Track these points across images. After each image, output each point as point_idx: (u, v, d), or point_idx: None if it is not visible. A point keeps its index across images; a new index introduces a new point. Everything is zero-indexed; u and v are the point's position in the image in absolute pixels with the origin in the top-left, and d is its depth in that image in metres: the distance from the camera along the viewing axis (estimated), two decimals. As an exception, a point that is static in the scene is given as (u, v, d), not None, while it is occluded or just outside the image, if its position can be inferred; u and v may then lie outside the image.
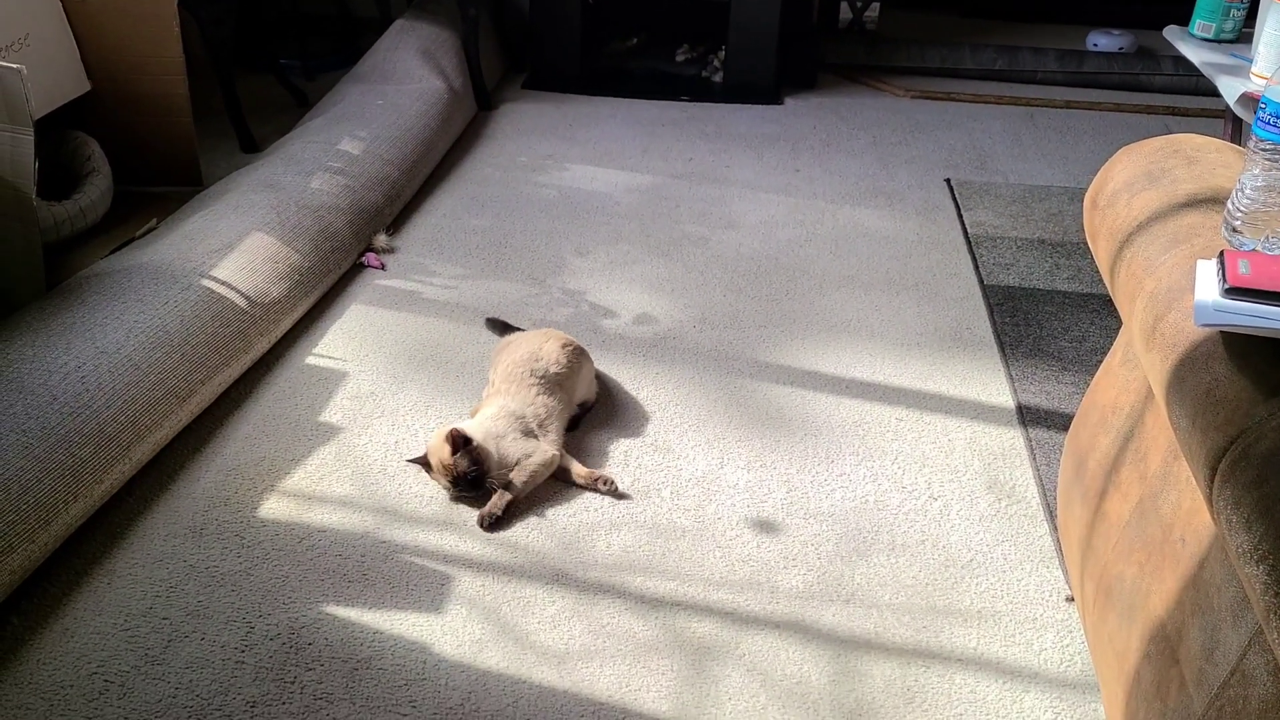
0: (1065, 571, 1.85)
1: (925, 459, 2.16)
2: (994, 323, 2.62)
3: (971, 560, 1.91)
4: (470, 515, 1.97)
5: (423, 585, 1.82)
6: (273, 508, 1.97)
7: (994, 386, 2.39)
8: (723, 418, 2.27)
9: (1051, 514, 2.00)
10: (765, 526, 1.98)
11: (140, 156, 3.06)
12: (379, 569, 1.84)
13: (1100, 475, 1.51)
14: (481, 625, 1.74)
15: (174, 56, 2.95)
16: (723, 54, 4.19)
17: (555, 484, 2.05)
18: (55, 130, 2.87)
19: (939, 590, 1.84)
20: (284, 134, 3.27)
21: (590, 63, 4.21)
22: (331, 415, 2.23)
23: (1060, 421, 2.25)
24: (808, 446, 2.19)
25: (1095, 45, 4.54)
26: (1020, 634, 1.75)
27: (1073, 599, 1.80)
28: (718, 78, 4.20)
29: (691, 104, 4.02)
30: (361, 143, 3.11)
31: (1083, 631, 1.70)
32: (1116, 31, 4.56)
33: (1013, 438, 2.23)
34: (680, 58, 4.33)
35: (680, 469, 2.12)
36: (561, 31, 4.11)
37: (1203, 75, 2.52)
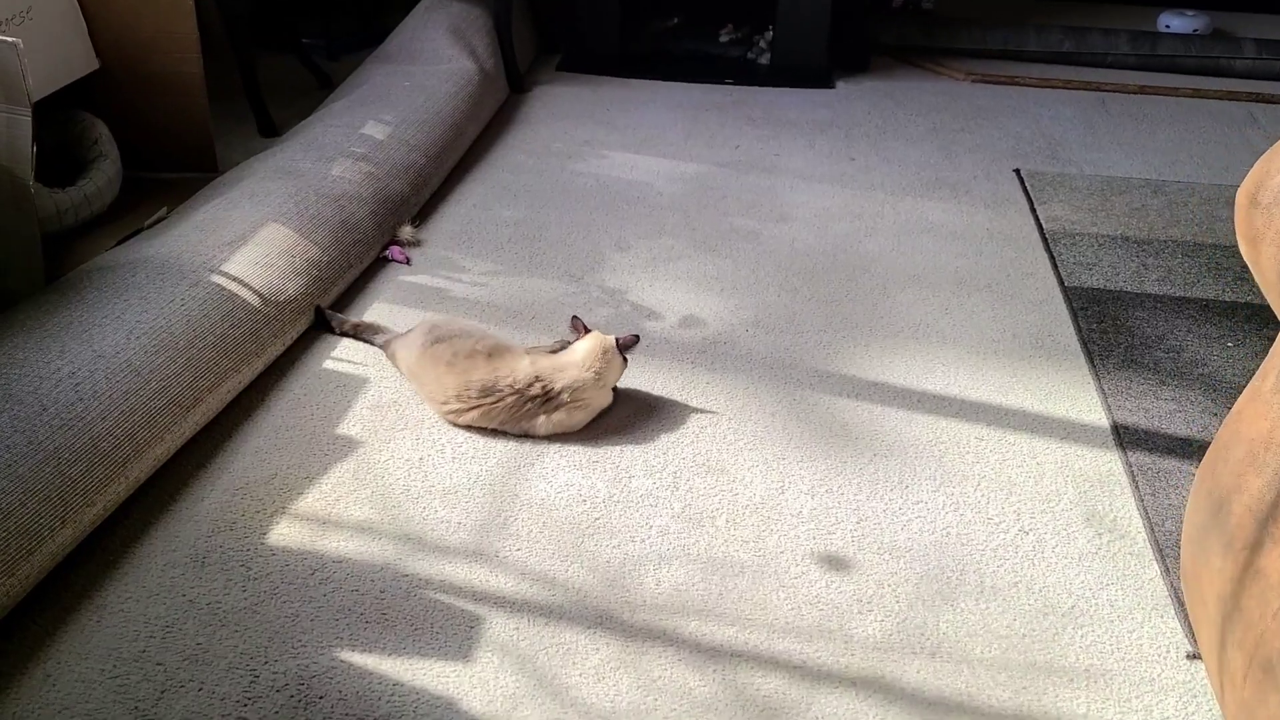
0: (1189, 625, 1.62)
1: (1012, 485, 1.93)
2: (1079, 329, 2.37)
3: (1073, 607, 1.68)
4: (502, 544, 1.76)
5: (449, 628, 1.61)
6: (283, 533, 1.77)
7: (1084, 402, 2.15)
8: (782, 434, 2.05)
9: (1163, 553, 1.76)
10: (835, 563, 1.75)
11: (152, 140, 2.86)
12: (400, 608, 1.64)
13: (1252, 523, 1.27)
14: (516, 677, 1.53)
15: (188, 33, 2.75)
16: (769, 35, 3.95)
17: (596, 511, 1.84)
18: (60, 111, 2.67)
19: (1038, 643, 1.61)
20: (305, 117, 3.06)
21: (628, 44, 3.98)
22: (350, 427, 2.02)
23: (1163, 444, 2.01)
24: (878, 469, 1.96)
25: (1167, 27, 4.26)
26: (1137, 698, 1.52)
27: (1197, 657, 1.56)
28: (764, 59, 3.96)
29: (736, 87, 3.78)
30: (386, 127, 2.90)
31: (1215, 700, 1.47)
32: (1190, 12, 4.28)
33: (1110, 462, 1.99)
34: (724, 38, 4.08)
35: (737, 494, 1.90)
36: (599, 10, 3.88)
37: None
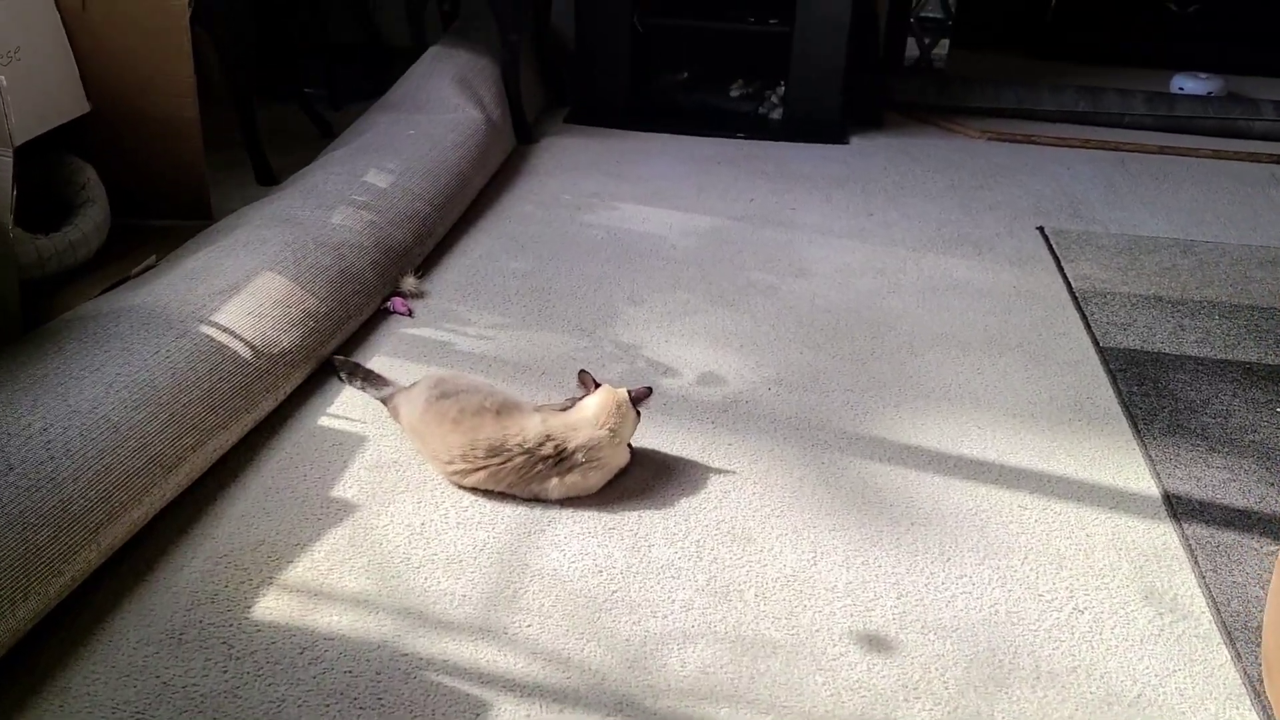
0: (1269, 713, 1.46)
1: (1061, 559, 1.78)
2: (1119, 392, 2.24)
3: (1139, 696, 1.52)
4: (511, 619, 1.60)
5: (453, 714, 1.44)
6: (270, 607, 1.61)
7: (1131, 470, 2.01)
8: (811, 500, 1.90)
9: (1232, 636, 1.61)
10: (876, 643, 1.60)
11: (144, 186, 2.74)
12: (399, 692, 1.47)
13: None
14: (527, 773, 1.37)
15: (184, 76, 2.64)
16: (781, 89, 3.88)
17: (613, 583, 1.69)
18: (47, 153, 2.55)
19: (1105, 736, 1.46)
20: (305, 166, 2.95)
21: (638, 96, 3.90)
22: (346, 489, 1.87)
23: (1220, 516, 1.87)
24: (916, 539, 1.82)
25: (1181, 89, 4.20)
26: (1222, 803, 1.36)
27: (1284, 755, 1.41)
28: (776, 114, 3.88)
29: (748, 141, 3.70)
30: (390, 175, 2.79)
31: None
32: (1204, 75, 4.23)
33: (1164, 534, 1.84)
34: (735, 93, 4.01)
35: (765, 565, 1.74)
36: (609, 62, 3.81)
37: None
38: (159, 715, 1.41)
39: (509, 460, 1.83)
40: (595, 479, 1.87)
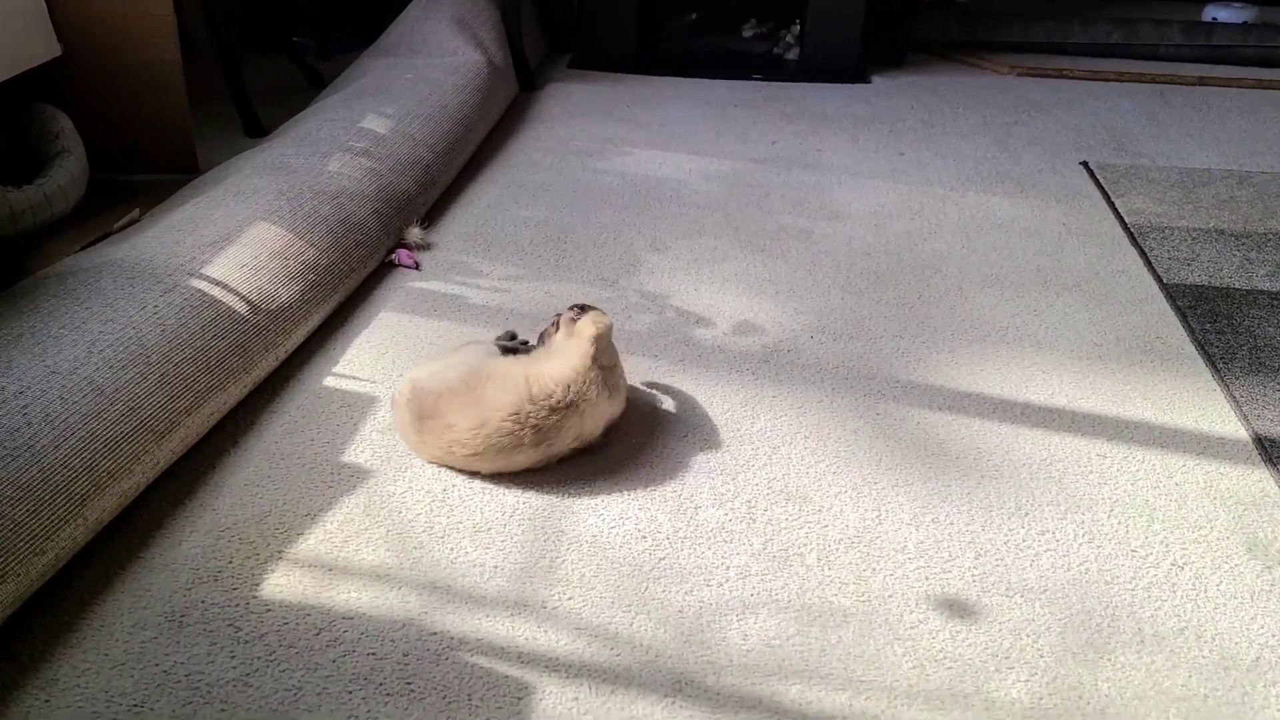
0: None
1: (1152, 511, 1.62)
2: (1191, 330, 2.07)
3: (1258, 659, 1.36)
4: (550, 592, 1.43)
5: (491, 700, 1.28)
6: (280, 584, 1.43)
7: (1215, 412, 1.85)
8: (868, 454, 1.73)
9: (1354, 590, 1.45)
10: (956, 608, 1.43)
11: (124, 137, 2.55)
12: (428, 675, 1.30)
13: None
14: (580, 765, 1.20)
15: (163, 14, 2.44)
16: (796, 29, 3.67)
17: (659, 550, 1.52)
18: (17, 102, 2.35)
19: (1225, 705, 1.29)
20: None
21: (646, 40, 3.69)
22: (358, 454, 1.69)
23: (1321, 458, 1.70)
24: (989, 493, 1.65)
25: (1214, 19, 4.00)
26: (1370, 778, 1.20)
27: None
28: (792, 55, 3.68)
29: (765, 83, 3.50)
30: (389, 120, 2.59)
31: None
32: (1238, 4, 4.02)
33: (1260, 480, 1.68)
34: (747, 34, 3.80)
35: (825, 525, 1.58)
36: (614, 4, 3.59)
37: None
38: (160, 708, 1.25)
39: (519, 435, 1.63)
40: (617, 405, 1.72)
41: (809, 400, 1.86)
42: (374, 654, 1.33)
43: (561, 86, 3.46)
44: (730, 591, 1.45)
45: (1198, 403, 1.87)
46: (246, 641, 1.34)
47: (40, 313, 1.69)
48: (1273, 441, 1.74)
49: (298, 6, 3.68)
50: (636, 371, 1.91)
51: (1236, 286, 2.21)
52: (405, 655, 1.33)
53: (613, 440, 1.73)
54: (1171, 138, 3.07)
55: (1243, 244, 2.40)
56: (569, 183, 2.71)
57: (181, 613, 1.38)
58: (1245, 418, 1.81)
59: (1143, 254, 2.36)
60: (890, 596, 1.45)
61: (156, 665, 1.31)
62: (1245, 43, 3.67)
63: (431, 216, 2.49)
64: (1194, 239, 2.42)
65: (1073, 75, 3.56)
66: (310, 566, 1.47)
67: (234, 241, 1.95)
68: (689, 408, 1.84)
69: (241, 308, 1.83)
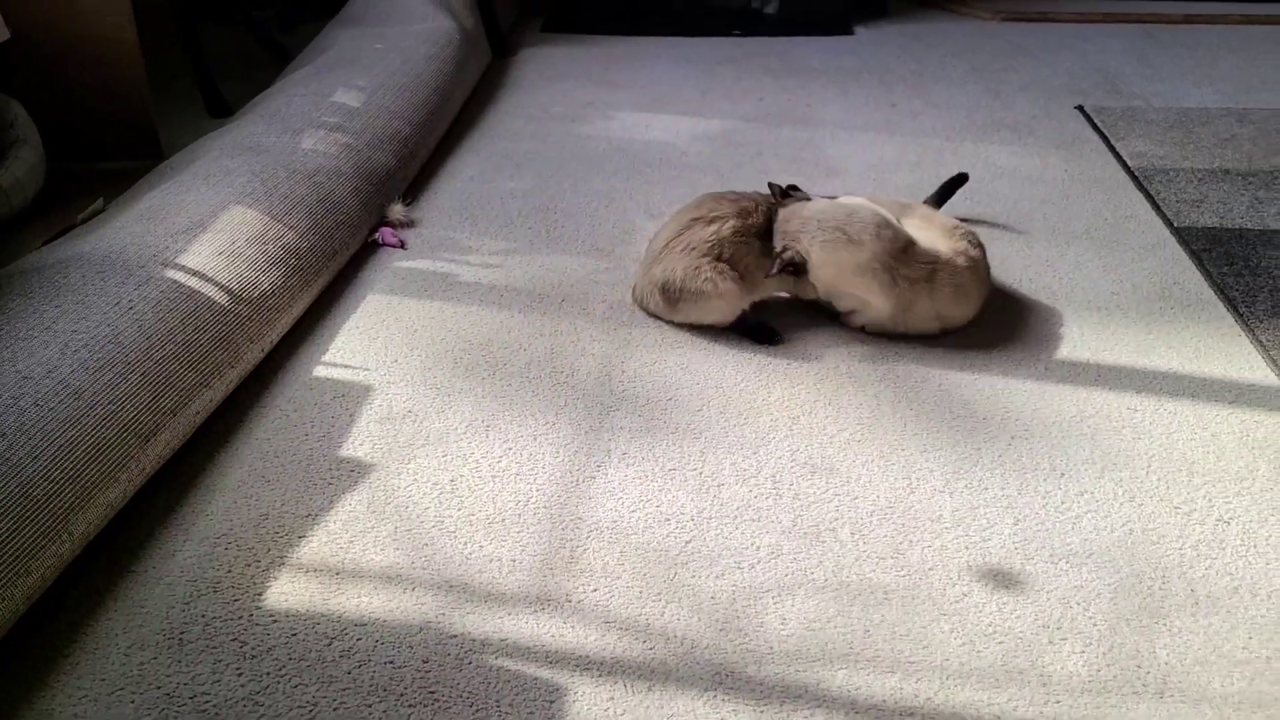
0: None
1: (1191, 465, 1.56)
2: (1208, 275, 2.01)
3: (1320, 615, 1.31)
4: (573, 584, 1.35)
5: (523, 705, 1.20)
6: (285, 592, 1.34)
7: (1242, 358, 1.79)
8: (893, 421, 1.66)
9: None
10: (1001, 578, 1.37)
11: (82, 123, 2.41)
12: (451, 682, 1.22)
13: None
14: (624, 770, 1.13)
15: (117, -9, 2.30)
16: (774, -20, 3.57)
17: (685, 532, 1.44)
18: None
19: (1292, 667, 1.24)
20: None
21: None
22: (356, 447, 1.60)
23: (1359, 401, 1.65)
24: (1021, 454, 1.58)
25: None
26: None
27: None
28: (770, 8, 3.58)
29: (746, 38, 3.40)
30: (361, 93, 2.47)
31: None
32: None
33: (1298, 427, 1.62)
34: (723, -12, 3.69)
35: (856, 498, 1.50)
36: (586, -37, 3.48)
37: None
38: (165, 737, 1.16)
39: None
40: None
41: (825, 367, 1.79)
42: (391, 662, 1.25)
43: (536, 51, 3.34)
44: (764, 573, 1.38)
45: (1224, 349, 1.81)
46: (253, 657, 1.26)
47: (6, 313, 1.57)
48: (1306, 386, 1.69)
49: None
50: (640, 342, 1.82)
51: (1250, 227, 2.15)
52: (425, 662, 1.25)
53: (623, 413, 1.65)
54: (1165, 77, 3.00)
55: (1250, 183, 2.34)
56: (554, 150, 2.61)
57: (181, 629, 1.29)
58: (1274, 361, 1.75)
59: (1149, 198, 2.30)
60: (931, 569, 1.38)
61: (158, 688, 1.22)
62: (1230, -23, 3.61)
63: (413, 192, 2.38)
64: (1200, 180, 2.36)
65: (1058, 18, 3.49)
66: (316, 571, 1.38)
67: (208, 228, 1.84)
68: (700, 379, 1.75)
69: (222, 298, 1.72)
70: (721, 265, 1.82)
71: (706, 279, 1.81)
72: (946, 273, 1.79)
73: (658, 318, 1.90)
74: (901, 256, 1.77)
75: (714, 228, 1.86)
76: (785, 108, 2.85)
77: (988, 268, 1.87)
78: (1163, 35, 3.34)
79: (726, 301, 1.83)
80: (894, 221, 1.81)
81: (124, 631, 1.29)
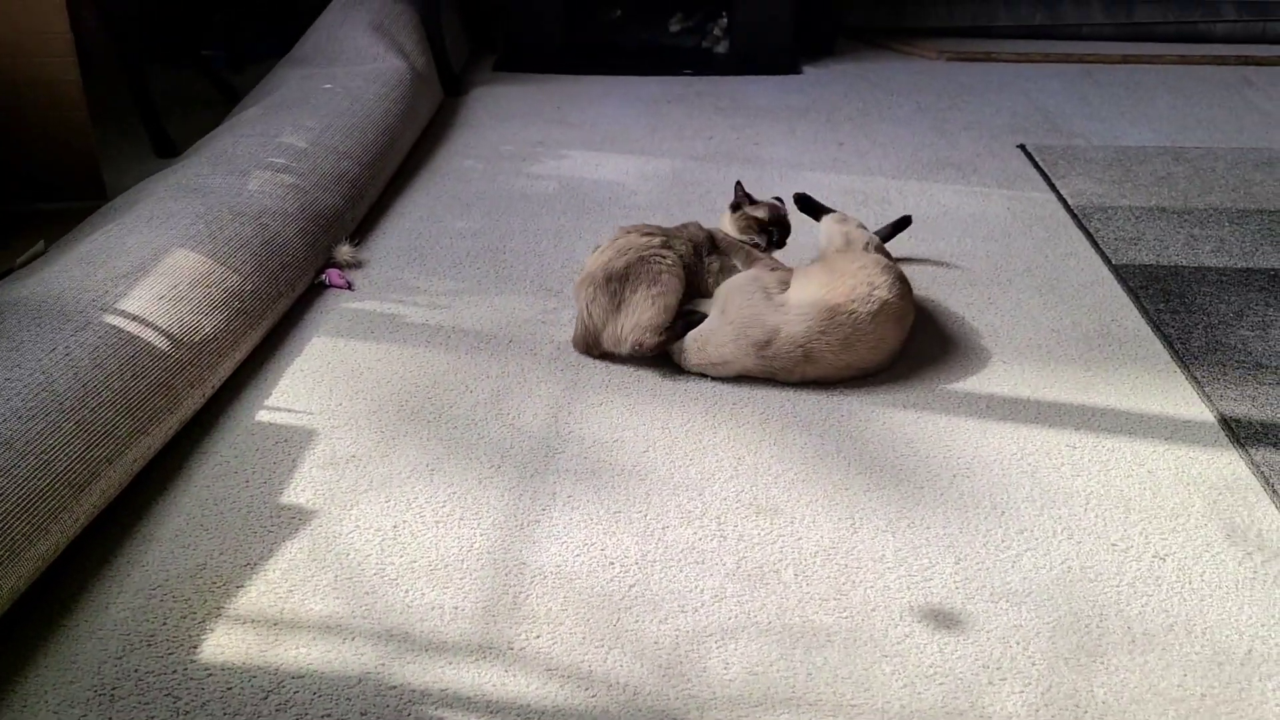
0: None
1: (1127, 501, 1.58)
2: (1145, 311, 2.05)
3: (1250, 652, 1.33)
4: (516, 631, 1.34)
5: (462, 758, 1.19)
6: (221, 645, 1.32)
7: (1178, 395, 1.82)
8: (837, 460, 1.67)
9: (1337, 571, 1.42)
10: (942, 619, 1.38)
11: (22, 163, 2.39)
12: (392, 735, 1.21)
13: None
14: (564, 823, 1.12)
15: (59, 31, 2.30)
16: (723, 21, 3.62)
17: (629, 576, 1.44)
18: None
19: (1223, 703, 1.26)
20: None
21: (572, 38, 3.61)
22: (298, 494, 1.58)
23: (1288, 436, 1.69)
24: (963, 492, 1.60)
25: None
26: (1377, 770, 1.17)
27: None
28: (720, 48, 3.63)
29: (696, 78, 3.44)
30: (309, 134, 2.47)
31: None
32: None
33: (1230, 463, 1.65)
34: (674, 28, 3.74)
35: (799, 538, 1.51)
36: (540, 3, 3.49)
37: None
38: (94, 798, 1.13)
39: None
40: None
41: (770, 408, 1.80)
42: (329, 715, 1.23)
43: (488, 90, 3.35)
44: (707, 617, 1.38)
45: (1160, 386, 1.85)
46: (187, 712, 1.23)
47: (-63, 362, 1.54)
48: (1238, 422, 1.72)
49: (205, 15, 3.51)
50: (588, 383, 1.82)
51: (1184, 264, 2.21)
52: (364, 714, 1.23)
53: (568, 455, 1.65)
54: (1103, 116, 3.08)
55: (1185, 221, 2.40)
56: (503, 190, 2.62)
57: (113, 685, 1.26)
58: (1208, 398, 1.79)
59: (1089, 236, 2.35)
60: (873, 610, 1.39)
61: (88, 747, 1.19)
62: (1165, 19, 3.71)
63: (361, 232, 2.37)
64: (1137, 218, 2.41)
65: (1001, 58, 3.56)
66: (253, 622, 1.36)
67: (150, 271, 1.83)
68: (646, 419, 1.76)
69: (162, 343, 1.70)
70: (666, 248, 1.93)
71: (655, 253, 1.90)
72: (825, 341, 1.80)
73: (606, 355, 1.90)
74: (764, 353, 1.81)
75: (648, 238, 1.96)
76: (734, 146, 2.89)
77: (901, 308, 1.87)
78: (1102, 74, 3.43)
79: (678, 278, 1.91)
80: (764, 317, 1.83)
81: (54, 688, 1.26)
